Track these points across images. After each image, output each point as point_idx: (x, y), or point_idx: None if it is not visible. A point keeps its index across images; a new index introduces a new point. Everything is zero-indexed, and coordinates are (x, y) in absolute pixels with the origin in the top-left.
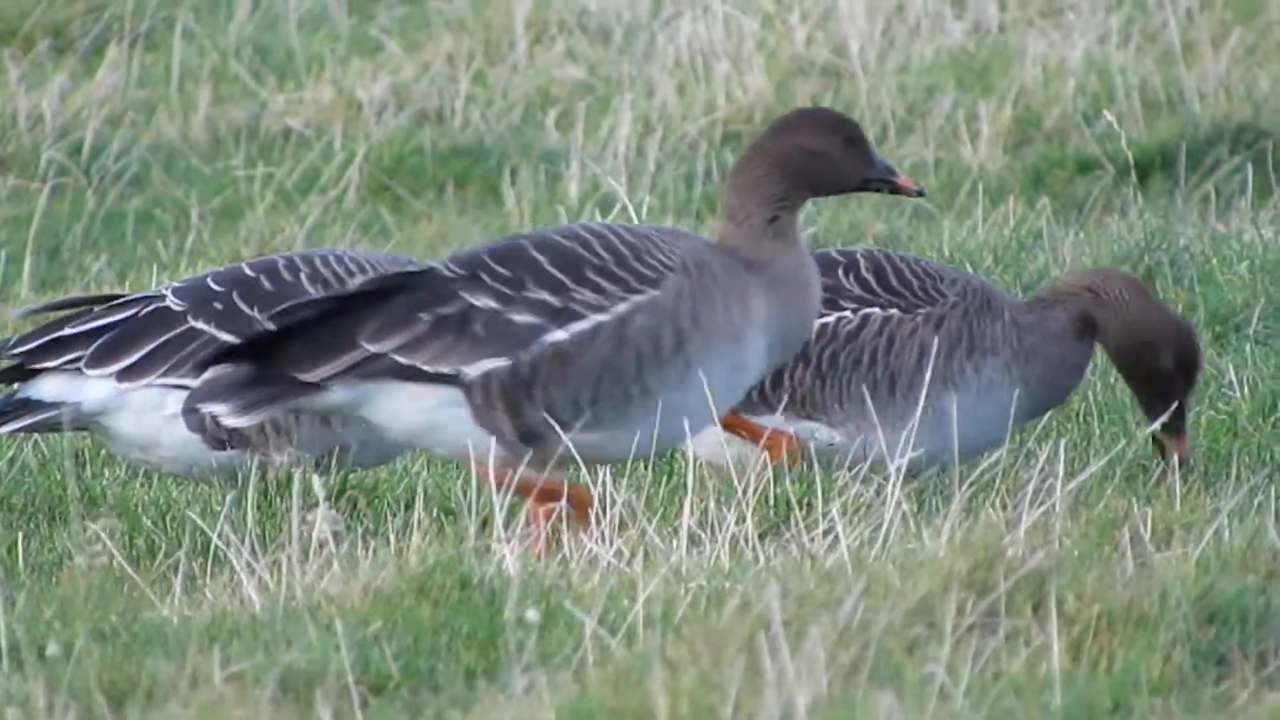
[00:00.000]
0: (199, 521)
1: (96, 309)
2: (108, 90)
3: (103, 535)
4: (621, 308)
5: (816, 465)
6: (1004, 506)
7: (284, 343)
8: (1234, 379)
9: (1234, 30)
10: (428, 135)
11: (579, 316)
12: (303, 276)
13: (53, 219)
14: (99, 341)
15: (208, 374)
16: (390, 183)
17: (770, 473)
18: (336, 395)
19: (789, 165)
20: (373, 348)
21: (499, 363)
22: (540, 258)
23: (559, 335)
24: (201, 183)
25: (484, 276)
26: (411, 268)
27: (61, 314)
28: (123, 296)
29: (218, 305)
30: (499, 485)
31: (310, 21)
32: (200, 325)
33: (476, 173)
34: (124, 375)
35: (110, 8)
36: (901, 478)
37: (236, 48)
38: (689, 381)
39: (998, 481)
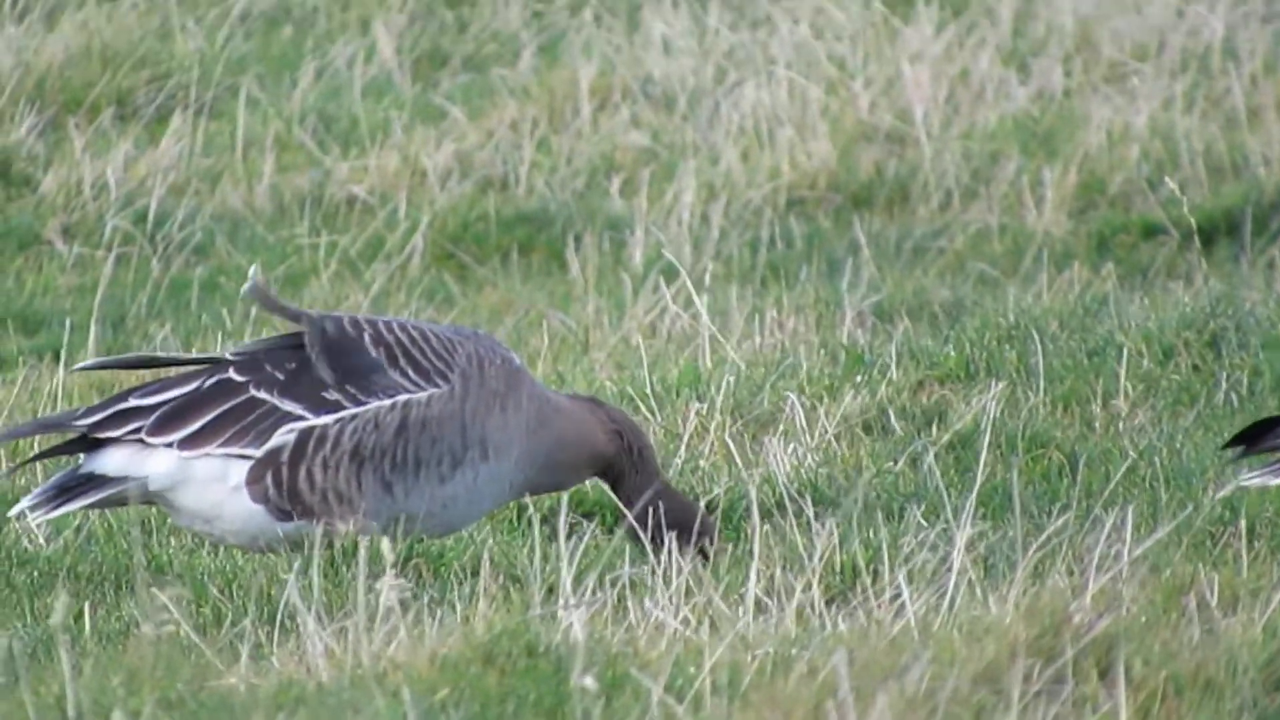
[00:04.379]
0: (269, 589)
1: (161, 376)
2: (172, 159)
3: (169, 605)
4: None
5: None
6: (1070, 572)
7: None
8: None
9: None
10: (492, 202)
11: None
12: (366, 338)
13: (117, 287)
14: (160, 411)
15: None
16: (455, 250)
17: (836, 539)
18: None
19: None
20: None
21: None
22: None
23: None
24: (266, 251)
25: None
26: None
27: (125, 374)
28: (182, 357)
29: (279, 374)
30: None
31: (374, 89)
32: (261, 395)
33: (541, 239)
34: (185, 444)
35: (174, 76)
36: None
37: (301, 115)
38: None
39: (1064, 547)
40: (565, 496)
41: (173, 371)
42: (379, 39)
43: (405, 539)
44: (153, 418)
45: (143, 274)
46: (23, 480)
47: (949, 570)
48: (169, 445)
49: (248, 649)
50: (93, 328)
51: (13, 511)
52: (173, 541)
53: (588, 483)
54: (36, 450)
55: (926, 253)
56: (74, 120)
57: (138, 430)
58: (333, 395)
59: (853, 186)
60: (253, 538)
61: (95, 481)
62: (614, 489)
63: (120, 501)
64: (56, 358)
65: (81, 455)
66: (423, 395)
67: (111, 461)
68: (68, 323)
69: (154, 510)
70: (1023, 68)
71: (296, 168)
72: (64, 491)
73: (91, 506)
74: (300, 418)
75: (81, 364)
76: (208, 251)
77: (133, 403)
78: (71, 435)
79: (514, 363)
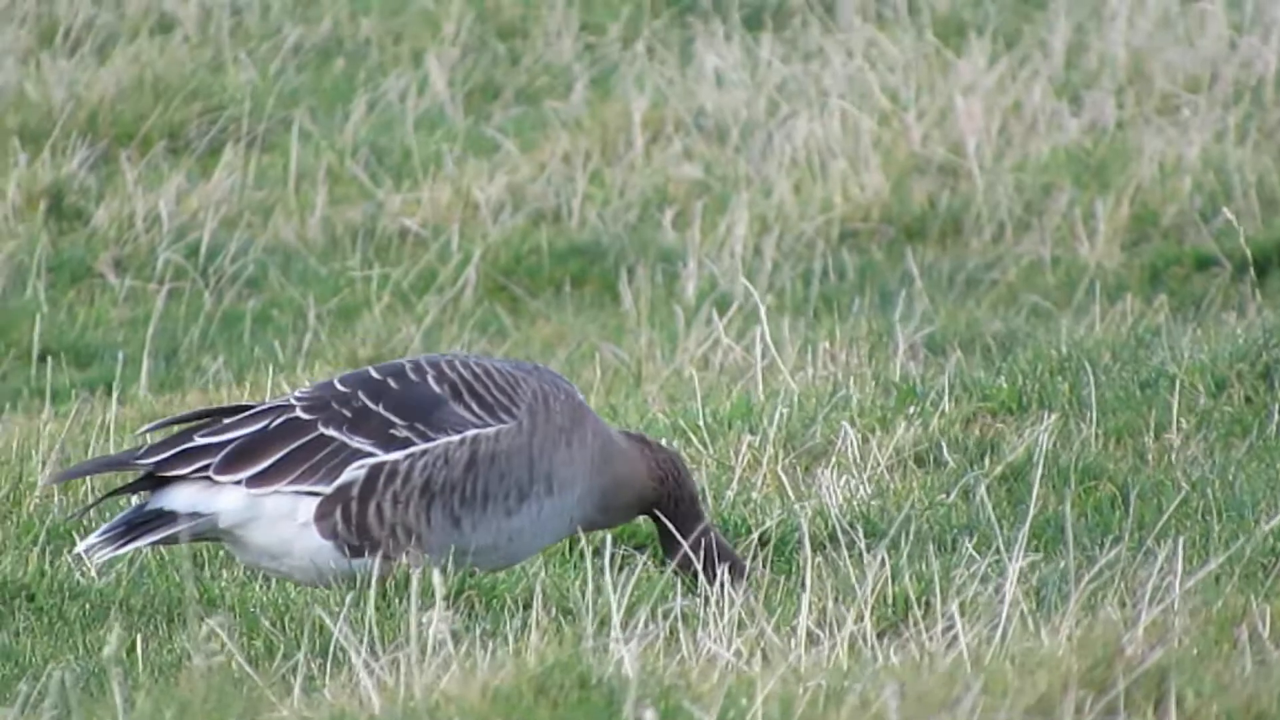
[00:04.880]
0: (321, 621)
1: (226, 420)
2: (224, 191)
3: (219, 631)
4: None
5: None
6: (1123, 604)
7: None
8: None
9: None
10: (544, 235)
11: None
12: (430, 378)
13: (170, 320)
14: (228, 449)
15: None
16: (507, 282)
17: (888, 571)
18: None
19: None
20: None
21: None
22: None
23: None
24: (318, 283)
25: None
26: None
27: (175, 402)
28: (251, 406)
29: (346, 412)
30: None
31: (426, 122)
32: (331, 432)
33: (594, 272)
34: (253, 482)
35: (227, 109)
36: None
37: (353, 148)
38: None
39: (1116, 579)
40: (614, 529)
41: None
42: (431, 72)
43: (458, 572)
44: (220, 456)
45: (195, 307)
46: (72, 513)
47: (1001, 602)
48: (237, 483)
49: (300, 681)
50: (145, 361)
51: (79, 549)
52: (225, 574)
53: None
54: (92, 487)
55: (979, 285)
56: (126, 153)
57: (205, 468)
58: (402, 432)
59: (905, 218)
60: (320, 573)
61: (165, 518)
62: (657, 525)
63: (187, 538)
64: (109, 390)
65: (142, 494)
66: (491, 430)
67: (180, 498)
68: (120, 356)
69: (205, 543)
70: (1075, 100)
71: (349, 200)
72: (133, 528)
73: (159, 543)
74: (370, 454)
75: (148, 426)
76: (260, 284)
77: (198, 442)
78: (134, 475)
79: (576, 397)
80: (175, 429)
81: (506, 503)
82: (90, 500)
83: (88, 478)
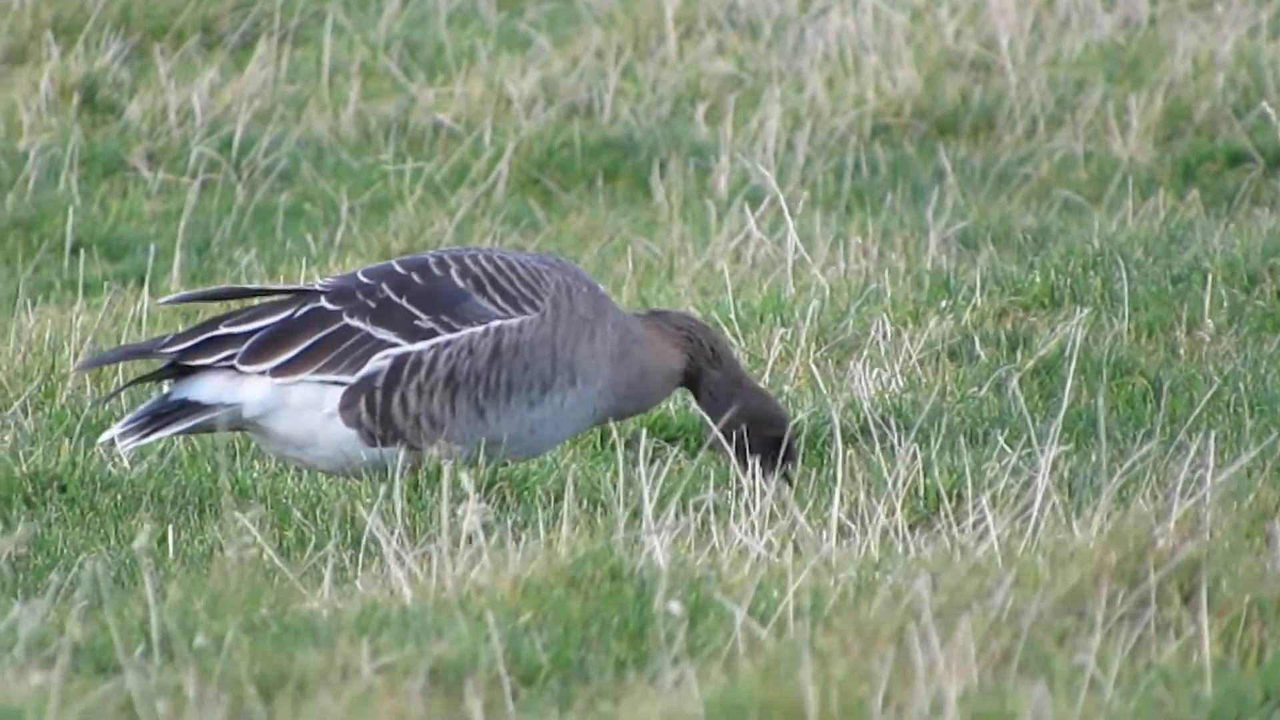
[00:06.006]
0: (352, 513)
1: (250, 305)
2: (257, 85)
3: (251, 528)
4: None
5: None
6: (1154, 497)
7: None
8: None
9: None
10: (577, 129)
11: None
12: (453, 272)
13: (202, 213)
14: (253, 339)
15: None
16: (540, 177)
17: (919, 464)
18: None
19: None
20: None
21: None
22: None
23: None
24: (351, 177)
25: None
26: None
27: (211, 306)
28: (272, 289)
29: (371, 303)
30: None
31: (460, 16)
32: (355, 323)
33: (626, 166)
34: (279, 371)
35: (259, 3)
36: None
37: (386, 42)
38: None
39: (1148, 473)
40: (646, 422)
41: (255, 301)
42: None
43: (489, 464)
44: (245, 346)
45: (227, 200)
46: (96, 400)
47: (1033, 495)
48: (262, 373)
49: (331, 573)
50: (177, 254)
51: (103, 438)
52: (256, 466)
53: (671, 408)
54: (119, 377)
55: (1012, 179)
56: (159, 47)
57: (230, 358)
58: (426, 324)
59: (938, 113)
60: (345, 463)
61: (189, 408)
62: (695, 393)
63: (210, 428)
64: (141, 283)
65: (169, 383)
66: (515, 321)
67: (205, 388)
68: (152, 249)
69: (238, 434)
70: None
71: (382, 94)
72: (157, 418)
73: (183, 433)
74: (394, 345)
75: (167, 297)
76: (293, 178)
77: (223, 331)
78: (159, 363)
79: (598, 290)
80: (200, 316)
81: (530, 394)
82: (116, 387)
83: (118, 366)
